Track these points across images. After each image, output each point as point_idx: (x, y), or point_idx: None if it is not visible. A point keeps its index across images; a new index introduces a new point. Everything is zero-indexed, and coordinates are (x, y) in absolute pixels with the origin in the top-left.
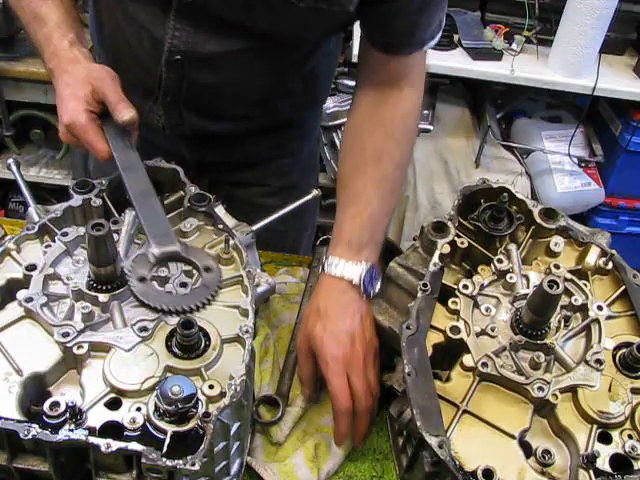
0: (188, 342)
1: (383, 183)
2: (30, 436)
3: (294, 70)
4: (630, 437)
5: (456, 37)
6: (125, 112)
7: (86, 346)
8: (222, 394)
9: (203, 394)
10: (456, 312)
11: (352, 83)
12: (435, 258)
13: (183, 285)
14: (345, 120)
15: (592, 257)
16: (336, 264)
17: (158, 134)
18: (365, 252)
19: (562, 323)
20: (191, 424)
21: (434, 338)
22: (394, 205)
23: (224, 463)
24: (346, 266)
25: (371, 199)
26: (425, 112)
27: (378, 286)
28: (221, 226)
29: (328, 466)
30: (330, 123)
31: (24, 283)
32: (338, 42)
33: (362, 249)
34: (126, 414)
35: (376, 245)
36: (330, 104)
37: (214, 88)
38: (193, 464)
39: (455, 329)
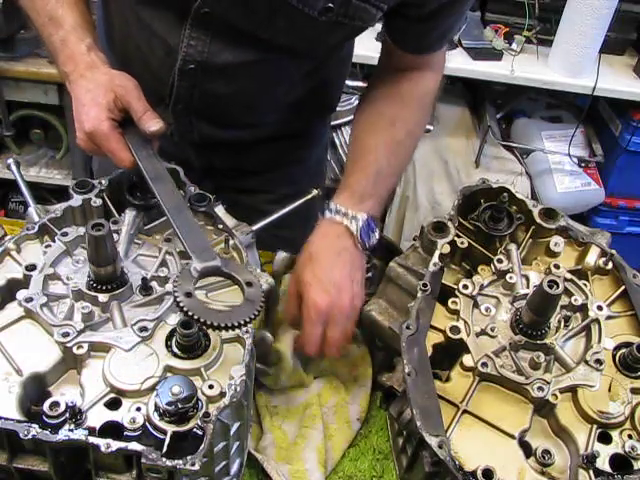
0: (188, 342)
1: (393, 145)
2: (30, 436)
3: (306, 79)
4: (630, 437)
5: (456, 37)
6: (152, 123)
7: (86, 346)
8: (222, 394)
9: (203, 394)
10: (456, 312)
11: (353, 83)
12: (435, 258)
13: None
14: (346, 120)
15: (592, 257)
16: (337, 210)
17: (166, 140)
18: (368, 203)
19: (562, 323)
20: (191, 424)
21: (434, 338)
22: (402, 169)
23: (224, 463)
24: (346, 213)
25: (380, 157)
26: None
27: (375, 238)
28: (221, 226)
29: (329, 463)
30: (332, 122)
31: (24, 283)
32: (350, 50)
33: (365, 200)
34: (126, 414)
35: (379, 200)
36: None
37: (226, 97)
38: (193, 464)
39: (455, 329)
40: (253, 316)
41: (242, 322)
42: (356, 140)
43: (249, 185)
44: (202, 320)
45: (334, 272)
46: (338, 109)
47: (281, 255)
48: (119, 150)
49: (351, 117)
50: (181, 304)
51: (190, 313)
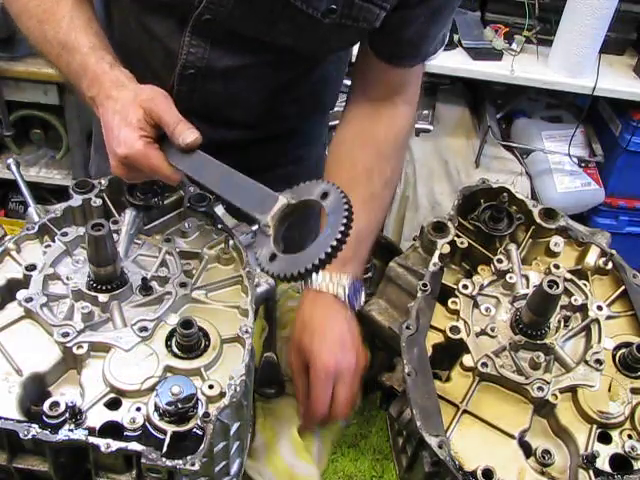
0: (188, 342)
1: (372, 201)
2: (30, 436)
3: (304, 78)
4: (630, 437)
5: (456, 37)
6: (187, 133)
7: (86, 346)
8: (222, 394)
9: (203, 394)
10: (456, 312)
11: (350, 82)
12: (435, 258)
13: (183, 285)
14: None
15: (592, 257)
16: (320, 278)
17: None
18: (349, 267)
19: (562, 323)
20: (191, 424)
21: (434, 338)
22: (381, 222)
23: (224, 463)
24: (330, 280)
25: (359, 217)
26: (425, 112)
27: (362, 299)
28: (221, 226)
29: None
30: (330, 123)
31: (24, 283)
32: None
33: (347, 264)
34: (126, 414)
35: (359, 261)
36: None
37: (226, 99)
38: (193, 464)
39: (455, 329)
40: (345, 225)
41: (338, 240)
42: None
43: None
44: (300, 272)
45: (333, 332)
46: (338, 109)
47: None
48: (163, 168)
49: None
50: (270, 272)
51: (282, 276)
